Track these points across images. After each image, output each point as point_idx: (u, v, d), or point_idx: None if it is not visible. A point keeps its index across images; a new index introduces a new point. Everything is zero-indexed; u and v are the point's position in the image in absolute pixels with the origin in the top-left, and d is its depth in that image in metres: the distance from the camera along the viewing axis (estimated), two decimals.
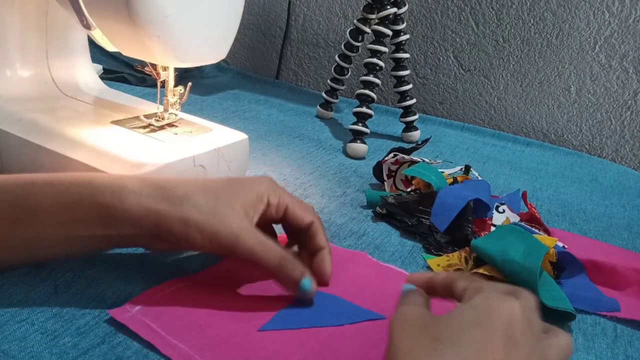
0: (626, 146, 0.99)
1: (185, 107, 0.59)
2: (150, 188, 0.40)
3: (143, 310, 0.39)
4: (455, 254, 0.53)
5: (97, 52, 0.76)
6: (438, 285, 0.38)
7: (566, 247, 0.56)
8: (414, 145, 0.71)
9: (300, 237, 0.46)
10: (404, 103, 0.90)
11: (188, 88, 0.58)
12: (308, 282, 0.41)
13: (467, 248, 0.53)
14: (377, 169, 0.69)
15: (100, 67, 0.96)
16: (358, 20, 0.87)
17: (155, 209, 0.39)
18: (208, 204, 0.40)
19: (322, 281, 0.43)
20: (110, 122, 0.56)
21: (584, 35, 0.96)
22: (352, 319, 0.42)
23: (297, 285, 0.41)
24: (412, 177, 0.64)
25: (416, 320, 0.33)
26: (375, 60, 0.82)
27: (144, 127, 0.56)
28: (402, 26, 0.85)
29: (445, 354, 0.29)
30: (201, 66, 1.10)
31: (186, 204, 0.39)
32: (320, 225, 0.45)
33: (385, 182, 0.67)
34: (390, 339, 0.33)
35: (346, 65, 0.92)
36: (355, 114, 0.82)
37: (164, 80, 0.56)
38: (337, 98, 0.96)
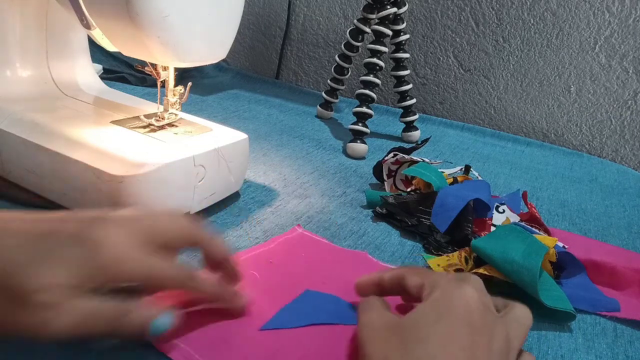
0: (626, 146, 0.99)
1: (185, 107, 0.59)
2: None
3: None
4: (455, 254, 0.53)
5: (97, 52, 0.76)
6: (387, 284, 0.39)
7: (566, 247, 0.56)
8: (414, 145, 0.71)
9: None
10: (404, 103, 0.90)
11: (188, 88, 0.58)
12: (160, 325, 0.34)
13: (467, 248, 0.53)
14: (377, 169, 0.69)
15: (100, 67, 0.96)
16: (358, 20, 0.87)
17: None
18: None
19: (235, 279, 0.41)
20: (110, 122, 0.56)
21: (584, 35, 0.96)
22: (351, 321, 0.42)
23: (143, 333, 0.33)
24: (412, 177, 0.64)
25: (382, 325, 0.34)
26: (375, 60, 0.82)
27: (144, 127, 0.55)
28: (402, 26, 0.85)
29: (416, 353, 0.31)
30: (201, 66, 1.10)
31: None
32: (202, 235, 0.38)
33: (385, 182, 0.67)
34: (361, 348, 0.34)
35: (346, 65, 0.92)
36: (355, 114, 0.82)
37: (164, 80, 0.56)
38: (337, 98, 0.96)
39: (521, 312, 0.36)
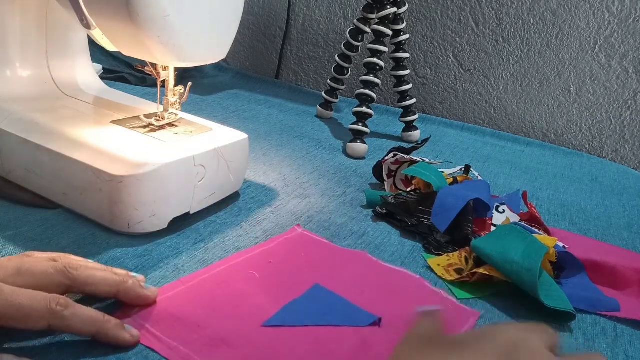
0: (626, 146, 0.99)
1: (185, 107, 0.59)
2: None
3: (141, 314, 0.39)
4: (455, 254, 0.53)
5: (97, 52, 0.76)
6: None
7: (566, 247, 0.56)
8: (414, 145, 0.71)
9: None
10: (404, 103, 0.90)
11: (188, 88, 0.58)
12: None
13: (467, 248, 0.53)
14: (377, 169, 0.69)
15: (100, 67, 0.96)
16: (358, 20, 0.87)
17: None
18: None
19: (149, 300, 0.40)
20: (110, 122, 0.56)
21: (584, 35, 0.96)
22: (353, 323, 0.42)
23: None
24: (412, 177, 0.64)
25: (424, 334, 0.33)
26: (375, 60, 0.82)
27: (144, 127, 0.55)
28: (402, 26, 0.85)
29: (436, 353, 0.30)
30: (201, 66, 1.10)
31: None
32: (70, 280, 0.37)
33: (385, 182, 0.67)
34: (396, 345, 0.32)
35: (346, 65, 0.92)
36: (355, 113, 0.82)
37: (164, 80, 0.56)
38: (337, 98, 0.96)
39: None
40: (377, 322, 0.42)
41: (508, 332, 0.30)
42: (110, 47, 0.52)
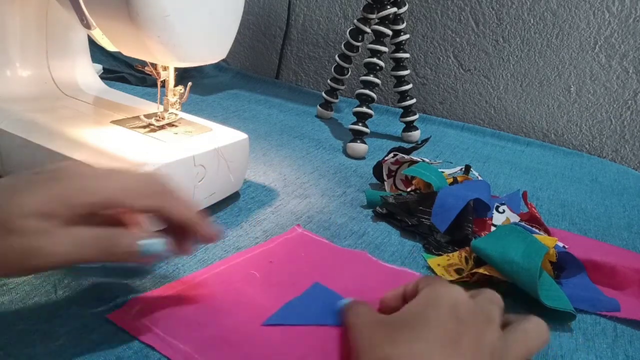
0: (626, 146, 0.99)
1: (185, 107, 0.59)
2: None
3: (142, 312, 0.39)
4: (455, 254, 0.53)
5: (97, 52, 0.76)
6: (409, 294, 0.39)
7: (566, 247, 0.56)
8: (414, 145, 0.71)
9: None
10: (404, 103, 0.90)
11: (188, 88, 0.58)
12: (148, 246, 0.34)
13: (467, 248, 0.53)
14: (377, 169, 0.69)
15: (100, 67, 0.96)
16: (358, 20, 0.87)
17: None
18: None
19: (213, 237, 0.39)
20: (110, 122, 0.56)
21: (584, 35, 0.96)
22: None
23: (135, 255, 0.34)
24: (412, 177, 0.64)
25: (371, 321, 0.36)
26: (375, 60, 0.82)
27: (144, 127, 0.55)
28: (402, 26, 0.85)
29: (401, 337, 0.32)
30: (201, 66, 1.10)
31: None
32: (174, 201, 0.37)
33: (385, 182, 0.67)
34: (353, 344, 0.36)
35: (346, 65, 0.92)
36: (355, 113, 0.82)
37: (164, 80, 0.56)
38: (337, 98, 0.96)
39: (533, 325, 0.35)
40: None
41: (443, 293, 0.34)
42: (110, 47, 0.52)
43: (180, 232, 0.38)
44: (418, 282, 0.38)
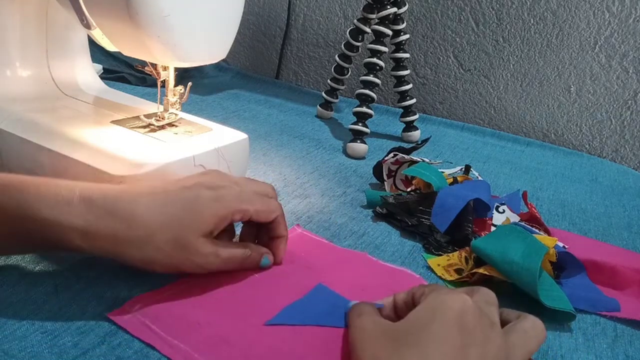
0: (626, 146, 0.99)
1: (185, 107, 0.59)
2: (102, 224, 0.38)
3: (142, 311, 0.39)
4: (455, 254, 0.53)
5: (97, 52, 0.76)
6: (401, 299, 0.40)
7: (566, 247, 0.56)
8: (414, 145, 0.71)
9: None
10: (404, 103, 0.90)
11: (188, 88, 0.58)
12: (266, 260, 0.46)
13: (467, 248, 0.53)
14: (377, 169, 0.69)
15: (100, 67, 0.96)
16: (358, 20, 0.87)
17: (112, 251, 0.38)
18: (168, 241, 0.39)
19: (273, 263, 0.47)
20: (110, 122, 0.56)
21: (584, 35, 0.96)
22: None
23: (258, 266, 0.46)
24: (412, 177, 0.64)
25: (375, 328, 0.35)
26: (375, 60, 0.82)
27: (144, 127, 0.56)
28: (402, 26, 0.85)
29: (406, 353, 0.31)
30: (201, 66, 1.10)
31: (146, 248, 0.38)
32: (281, 217, 0.47)
33: (385, 182, 0.67)
34: (353, 350, 0.35)
35: (346, 65, 0.92)
36: (355, 113, 0.82)
37: (164, 80, 0.56)
38: (337, 98, 0.96)
39: (531, 324, 0.35)
40: None
41: (449, 302, 0.33)
42: (110, 47, 0.52)
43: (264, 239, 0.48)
44: (424, 288, 0.38)
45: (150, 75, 0.56)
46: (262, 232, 0.48)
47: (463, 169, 0.68)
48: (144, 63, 0.55)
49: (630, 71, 0.95)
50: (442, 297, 0.34)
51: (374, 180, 0.71)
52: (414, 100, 0.90)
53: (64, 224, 0.37)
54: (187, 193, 0.41)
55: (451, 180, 0.63)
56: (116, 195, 0.39)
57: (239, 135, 0.59)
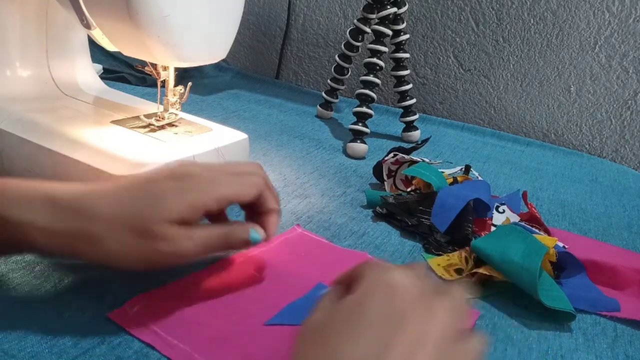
0: (626, 146, 0.99)
1: (185, 107, 0.59)
2: (63, 222, 0.36)
3: (142, 311, 0.39)
4: (455, 253, 0.53)
5: (97, 52, 0.76)
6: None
7: (566, 247, 0.56)
8: (414, 145, 0.71)
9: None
10: (404, 103, 0.90)
11: (188, 88, 0.58)
12: (255, 235, 0.42)
13: (467, 248, 0.53)
14: (377, 169, 0.69)
15: (100, 67, 0.96)
16: (358, 20, 0.87)
17: (76, 250, 0.37)
18: (129, 233, 0.37)
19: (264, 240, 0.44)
20: (111, 122, 0.56)
21: (584, 35, 0.96)
22: None
23: (247, 243, 0.42)
24: (412, 177, 0.64)
25: (314, 326, 0.32)
26: (375, 60, 0.82)
27: (144, 127, 0.56)
28: (402, 26, 0.85)
29: (329, 342, 0.29)
30: (201, 66, 1.10)
31: (108, 243, 0.37)
32: (267, 190, 0.44)
33: (385, 182, 0.67)
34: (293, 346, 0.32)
35: (346, 65, 0.92)
36: (355, 113, 0.82)
37: (164, 80, 0.56)
38: (337, 98, 0.96)
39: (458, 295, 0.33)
40: None
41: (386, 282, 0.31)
42: (110, 47, 0.52)
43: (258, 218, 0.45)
44: (361, 267, 0.34)
45: (150, 75, 0.56)
46: (249, 209, 0.45)
47: (463, 169, 0.68)
48: (144, 63, 0.55)
49: (630, 71, 0.95)
50: (376, 275, 0.32)
51: (374, 180, 0.71)
52: (414, 100, 0.90)
53: (25, 222, 0.36)
54: (150, 185, 0.39)
55: (451, 180, 0.63)
56: (81, 194, 0.38)
57: (239, 135, 0.59)
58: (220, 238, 0.40)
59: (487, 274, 0.48)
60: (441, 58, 1.09)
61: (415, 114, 0.91)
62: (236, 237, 0.41)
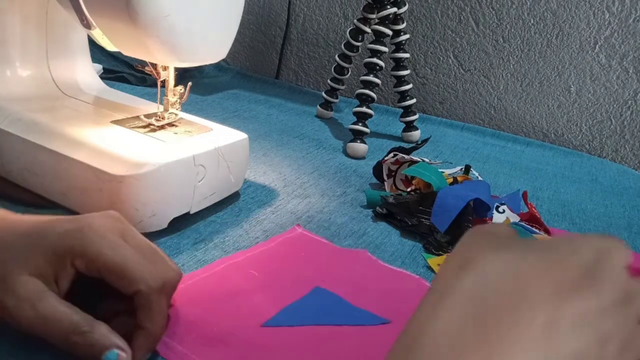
0: (626, 146, 0.99)
1: (185, 107, 0.59)
2: None
3: None
4: None
5: (97, 52, 0.76)
6: None
7: None
8: (414, 145, 0.71)
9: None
10: (404, 103, 0.90)
11: (188, 88, 0.58)
12: (112, 356, 0.32)
13: None
14: (377, 169, 0.69)
15: (100, 67, 0.96)
16: (358, 20, 0.87)
17: None
18: None
19: None
20: (110, 122, 0.56)
21: (584, 35, 0.96)
22: (354, 321, 0.42)
23: (97, 354, 0.32)
24: (412, 177, 0.64)
25: (495, 233, 0.27)
26: (375, 60, 0.82)
27: (144, 127, 0.55)
28: (402, 26, 0.85)
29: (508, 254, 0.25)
30: (201, 66, 1.10)
31: None
32: (154, 295, 0.34)
33: (385, 182, 0.67)
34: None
35: (346, 65, 0.92)
36: (355, 113, 0.82)
37: (164, 80, 0.56)
38: (337, 98, 0.96)
39: None
40: (379, 323, 0.42)
41: (589, 244, 0.26)
42: (110, 47, 0.52)
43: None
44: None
45: (150, 75, 0.56)
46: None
47: (463, 169, 0.68)
48: (144, 63, 0.55)
49: (630, 71, 0.95)
50: (579, 238, 0.27)
51: (374, 180, 0.71)
52: (414, 100, 0.90)
53: None
54: (38, 225, 0.34)
55: (451, 180, 0.63)
56: None
57: (239, 135, 0.59)
58: (63, 327, 0.32)
59: None
60: (441, 58, 1.09)
61: (415, 114, 0.91)
62: (86, 341, 0.32)
